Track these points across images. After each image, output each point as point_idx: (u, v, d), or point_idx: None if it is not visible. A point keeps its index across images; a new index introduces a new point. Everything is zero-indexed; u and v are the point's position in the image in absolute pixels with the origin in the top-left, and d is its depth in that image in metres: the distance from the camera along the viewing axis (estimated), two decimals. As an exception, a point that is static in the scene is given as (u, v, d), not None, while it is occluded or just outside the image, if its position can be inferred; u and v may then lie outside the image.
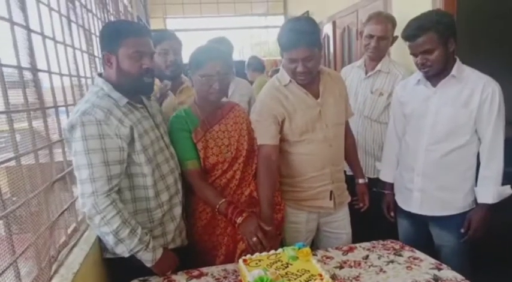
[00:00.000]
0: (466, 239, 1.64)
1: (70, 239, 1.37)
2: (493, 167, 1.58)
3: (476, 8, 2.95)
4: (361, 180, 1.87)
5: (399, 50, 2.44)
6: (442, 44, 1.52)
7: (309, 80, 1.61)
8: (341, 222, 1.80)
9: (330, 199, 1.71)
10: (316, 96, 1.65)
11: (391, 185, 1.88)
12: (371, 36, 2.11)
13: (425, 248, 1.54)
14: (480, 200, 1.61)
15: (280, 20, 5.75)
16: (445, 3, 2.05)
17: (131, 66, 1.33)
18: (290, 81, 1.63)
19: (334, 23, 3.65)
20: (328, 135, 1.66)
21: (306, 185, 1.70)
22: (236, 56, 4.23)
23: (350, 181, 1.88)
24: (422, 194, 1.69)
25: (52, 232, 1.19)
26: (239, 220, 1.47)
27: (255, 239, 1.44)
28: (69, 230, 1.41)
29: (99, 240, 1.42)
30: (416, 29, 1.53)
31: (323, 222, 1.79)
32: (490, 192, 1.58)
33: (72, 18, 1.70)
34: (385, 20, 2.11)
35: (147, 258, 1.33)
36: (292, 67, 1.55)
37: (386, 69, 2.16)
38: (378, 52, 2.13)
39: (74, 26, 1.71)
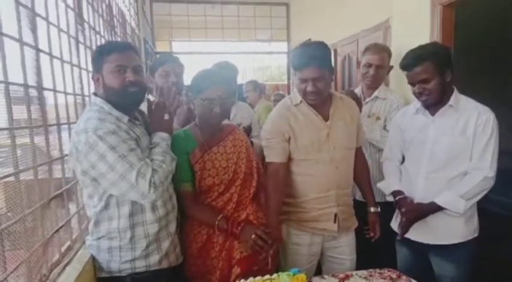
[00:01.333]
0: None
1: (63, 258, 1.35)
2: (469, 182, 1.57)
3: (473, 40, 3.03)
4: (373, 209, 1.84)
5: (396, 80, 2.53)
6: (438, 74, 1.56)
7: (319, 101, 1.64)
8: (345, 248, 1.77)
9: (334, 222, 1.70)
10: (326, 118, 1.68)
11: (401, 192, 1.75)
12: (369, 65, 2.22)
13: (425, 278, 1.51)
14: (437, 200, 1.59)
15: (283, 47, 5.87)
16: (442, 36, 2.11)
17: (114, 81, 1.35)
18: (301, 101, 1.67)
19: (335, 51, 3.74)
20: (334, 157, 1.67)
21: (309, 206, 1.70)
22: (239, 80, 4.31)
23: (361, 208, 1.86)
24: (423, 222, 1.67)
25: (45, 250, 1.18)
26: (238, 230, 1.49)
27: (253, 236, 1.46)
28: (63, 248, 1.39)
29: (93, 259, 1.41)
30: (414, 59, 1.58)
31: (327, 247, 1.77)
32: (452, 202, 1.56)
33: (81, 39, 1.76)
34: (382, 50, 2.25)
35: None
36: (303, 87, 1.59)
37: (383, 96, 2.25)
38: (376, 80, 2.24)
39: (81, 46, 1.76)
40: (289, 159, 1.69)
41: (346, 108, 1.74)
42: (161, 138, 1.44)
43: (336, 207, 1.69)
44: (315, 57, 1.53)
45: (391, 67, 2.29)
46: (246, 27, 5.55)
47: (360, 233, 1.85)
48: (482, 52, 3.45)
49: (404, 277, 1.51)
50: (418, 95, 1.62)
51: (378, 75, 2.22)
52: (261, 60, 7.76)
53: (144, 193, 1.27)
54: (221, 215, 1.53)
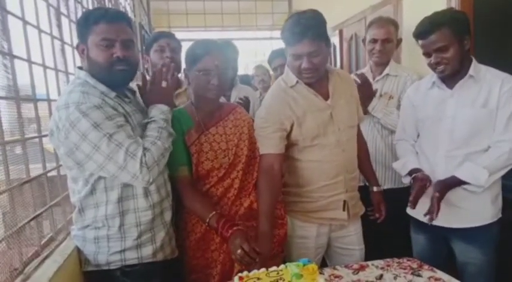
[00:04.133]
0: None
1: (43, 250, 1.20)
2: (492, 154, 1.43)
3: (493, 7, 2.87)
4: (375, 188, 1.71)
5: (408, 57, 2.36)
6: (457, 41, 1.42)
7: (316, 79, 1.47)
8: (353, 237, 1.62)
9: (344, 209, 1.55)
10: (326, 97, 1.52)
11: (420, 169, 1.59)
12: (375, 41, 2.07)
13: (444, 269, 1.36)
14: (457, 173, 1.46)
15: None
16: (461, 6, 1.93)
17: (99, 55, 1.21)
18: (297, 82, 1.50)
19: (340, 32, 3.56)
20: (341, 139, 1.52)
21: (316, 195, 1.54)
22: (241, 71, 4.15)
23: (363, 192, 1.72)
24: (445, 204, 1.50)
25: (17, 240, 1.03)
26: (229, 234, 1.31)
27: (239, 251, 1.25)
28: (44, 240, 1.25)
29: (78, 251, 1.27)
30: (429, 25, 1.44)
31: (334, 237, 1.62)
32: (474, 173, 1.43)
33: (64, 11, 1.59)
34: (387, 23, 2.09)
35: None
36: (297, 64, 1.42)
37: (394, 73, 2.10)
38: (384, 56, 2.09)
39: (66, 21, 1.60)
40: (293, 146, 1.52)
41: (344, 83, 1.58)
42: (160, 111, 1.30)
43: (345, 193, 1.54)
44: (309, 29, 1.35)
45: (400, 40, 2.15)
46: (247, 13, 5.38)
47: (365, 222, 1.69)
48: (504, 24, 3.27)
49: (426, 266, 1.36)
50: (434, 66, 1.48)
51: (386, 50, 2.06)
52: (263, 54, 7.59)
53: (136, 174, 1.14)
54: (214, 212, 1.36)
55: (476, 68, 1.49)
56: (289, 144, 1.52)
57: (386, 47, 2.06)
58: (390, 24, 2.09)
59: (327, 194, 1.53)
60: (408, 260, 1.42)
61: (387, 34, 2.05)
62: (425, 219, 1.49)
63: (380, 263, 1.41)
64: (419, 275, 1.30)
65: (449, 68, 1.46)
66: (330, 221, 1.56)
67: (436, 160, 1.55)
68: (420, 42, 1.49)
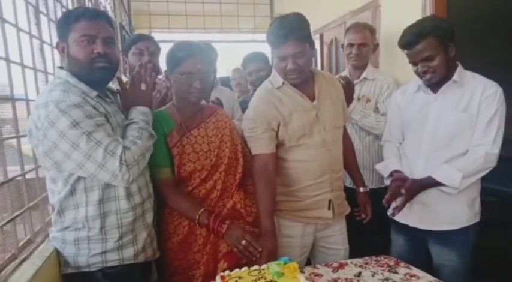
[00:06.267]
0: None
1: (20, 252, 1.18)
2: (469, 158, 1.47)
3: (466, 13, 3.00)
4: (362, 189, 1.75)
5: (386, 61, 2.45)
6: (442, 50, 1.45)
7: (302, 80, 1.51)
8: (338, 237, 1.66)
9: (329, 208, 1.57)
10: (312, 98, 1.55)
11: (400, 171, 1.62)
12: (351, 45, 2.16)
13: (422, 268, 1.39)
14: (433, 174, 1.50)
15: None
16: (435, 12, 2.00)
17: (79, 52, 1.20)
18: (283, 83, 1.53)
19: (321, 36, 3.62)
20: (326, 138, 1.55)
21: (302, 194, 1.56)
22: (223, 73, 4.12)
23: (349, 193, 1.75)
24: (423, 207, 1.56)
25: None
26: (223, 228, 1.34)
27: (244, 242, 1.30)
28: (21, 242, 1.22)
29: (57, 253, 1.24)
30: (414, 35, 1.46)
31: (319, 237, 1.64)
32: (449, 175, 1.46)
33: (43, 9, 1.57)
34: (363, 28, 2.18)
35: None
36: (283, 66, 1.46)
37: (371, 76, 2.17)
38: (360, 59, 2.17)
39: (45, 20, 1.57)
40: (279, 146, 1.55)
41: (329, 85, 1.62)
42: (140, 112, 1.30)
43: (330, 192, 1.57)
44: (292, 31, 1.38)
45: (377, 45, 2.26)
46: (229, 15, 5.39)
47: (349, 223, 1.73)
48: (477, 30, 3.41)
49: (402, 264, 1.41)
50: (422, 74, 1.51)
51: (362, 54, 2.14)
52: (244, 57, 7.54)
53: (115, 172, 1.13)
54: (203, 209, 1.37)
55: (461, 73, 1.52)
56: (276, 145, 1.55)
57: (363, 50, 2.14)
58: (366, 29, 2.17)
59: (312, 193, 1.56)
60: (385, 258, 1.46)
61: (363, 39, 2.13)
62: (401, 220, 1.54)
63: (359, 261, 1.45)
64: (395, 272, 1.34)
65: (436, 76, 1.48)
66: (316, 220, 1.59)
67: (417, 162, 1.58)
68: (406, 52, 1.51)
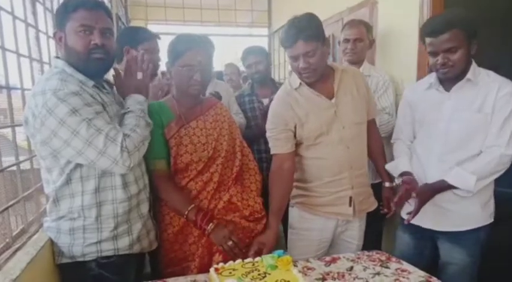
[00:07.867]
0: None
1: (14, 242, 1.18)
2: (483, 159, 1.43)
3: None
4: (387, 184, 1.71)
5: (382, 59, 2.45)
6: (466, 44, 1.41)
7: (316, 78, 1.50)
8: (356, 232, 1.66)
9: (349, 205, 1.58)
10: (331, 96, 1.55)
11: (410, 173, 1.58)
12: (347, 40, 2.18)
13: (424, 267, 1.37)
14: (446, 177, 1.47)
15: (264, 31, 5.72)
16: (432, 11, 2.01)
17: (77, 42, 1.19)
18: (300, 83, 1.54)
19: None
20: (345, 136, 1.54)
21: (322, 190, 1.58)
22: (220, 67, 4.11)
23: (374, 190, 1.73)
24: (436, 208, 1.53)
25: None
26: (209, 227, 1.35)
27: (230, 243, 1.32)
28: (15, 232, 1.22)
29: (51, 243, 1.24)
30: (443, 24, 1.40)
31: (339, 232, 1.65)
32: (463, 179, 1.43)
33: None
34: (359, 24, 2.20)
35: None
36: (295, 65, 1.48)
37: (367, 73, 2.18)
38: (356, 55, 2.19)
39: (41, 8, 1.56)
40: (299, 144, 1.58)
41: (351, 80, 1.60)
42: (136, 101, 1.30)
43: (351, 189, 1.57)
44: (302, 30, 1.40)
45: (373, 41, 2.27)
46: (226, 9, 5.35)
47: None
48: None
49: (394, 259, 1.43)
50: (439, 66, 1.44)
51: (357, 49, 2.17)
52: (241, 51, 7.49)
53: (116, 158, 1.13)
54: (193, 205, 1.38)
55: (475, 71, 1.47)
56: (296, 143, 1.58)
57: (358, 46, 2.16)
58: (362, 25, 2.19)
59: (332, 190, 1.57)
60: (377, 253, 1.48)
61: (358, 34, 2.15)
62: (413, 221, 1.50)
63: (351, 255, 1.46)
64: (387, 267, 1.36)
65: (453, 70, 1.44)
66: (336, 215, 1.60)
67: (429, 163, 1.55)
68: (428, 40, 1.45)
